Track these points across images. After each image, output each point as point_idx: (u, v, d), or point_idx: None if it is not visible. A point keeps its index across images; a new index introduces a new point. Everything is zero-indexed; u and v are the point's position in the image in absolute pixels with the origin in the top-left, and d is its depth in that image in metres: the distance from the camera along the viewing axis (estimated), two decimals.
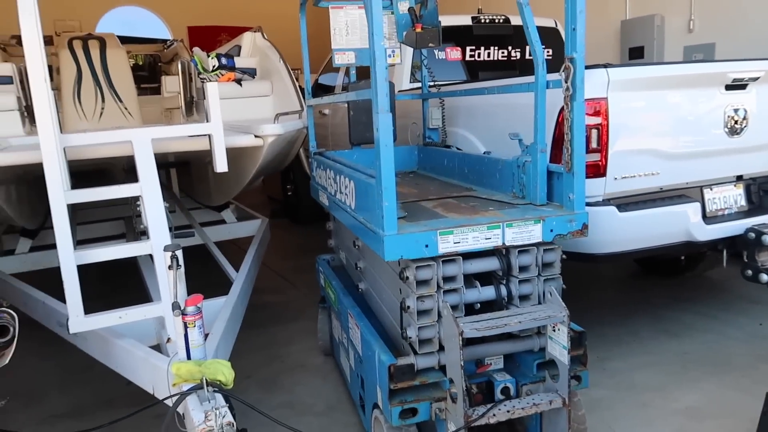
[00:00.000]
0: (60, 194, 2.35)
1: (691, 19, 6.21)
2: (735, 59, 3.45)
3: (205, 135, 2.91)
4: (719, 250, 3.36)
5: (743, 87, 3.23)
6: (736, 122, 3.24)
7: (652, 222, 3.06)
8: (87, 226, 4.74)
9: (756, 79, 3.23)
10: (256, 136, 3.34)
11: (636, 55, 6.70)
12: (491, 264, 2.20)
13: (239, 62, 4.84)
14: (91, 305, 2.49)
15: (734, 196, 3.35)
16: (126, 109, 5.50)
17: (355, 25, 3.69)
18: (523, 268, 2.21)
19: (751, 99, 3.27)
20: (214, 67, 4.51)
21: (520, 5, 2.58)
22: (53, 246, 4.08)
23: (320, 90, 6.40)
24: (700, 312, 3.95)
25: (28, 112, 4.17)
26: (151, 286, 3.06)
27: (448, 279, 2.11)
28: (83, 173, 3.82)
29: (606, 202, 3.01)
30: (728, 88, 3.20)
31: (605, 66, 2.98)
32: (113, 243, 3.85)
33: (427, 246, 2.03)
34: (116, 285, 4.51)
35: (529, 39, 2.54)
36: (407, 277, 2.07)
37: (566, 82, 2.27)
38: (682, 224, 3.12)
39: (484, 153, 3.31)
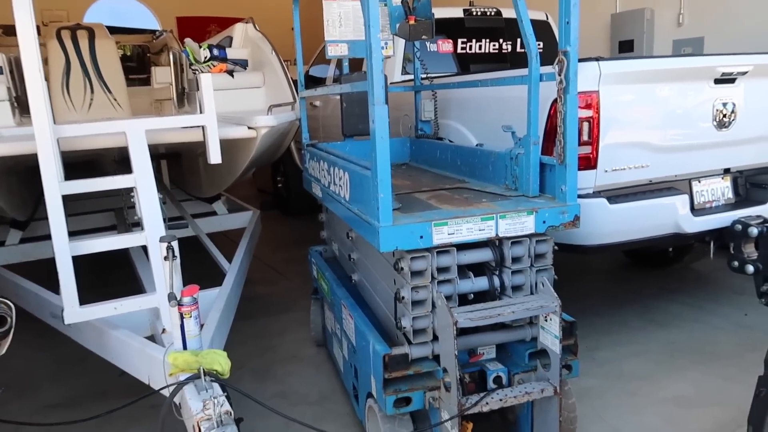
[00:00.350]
0: (55, 185, 2.35)
1: (681, 13, 6.26)
2: (724, 53, 3.49)
3: (199, 126, 2.90)
4: (706, 242, 3.42)
5: (732, 81, 3.28)
6: (724, 116, 3.29)
7: (641, 214, 3.10)
8: (76, 217, 4.71)
9: (744, 73, 3.27)
10: (249, 128, 3.34)
11: (626, 48, 6.74)
12: (484, 255, 2.23)
13: (231, 53, 4.81)
14: (83, 296, 2.49)
15: (722, 189, 3.40)
16: (115, 100, 5.45)
17: (348, 16, 3.69)
18: (515, 259, 2.24)
19: (739, 93, 3.31)
20: (205, 58, 4.48)
21: None
22: (44, 237, 4.07)
23: (310, 82, 6.39)
24: (687, 302, 4.02)
25: (18, 103, 4.13)
26: (145, 278, 3.06)
27: (442, 270, 2.14)
28: (73, 164, 3.80)
29: (597, 194, 3.04)
30: (717, 82, 3.24)
31: (597, 59, 3.00)
32: (106, 234, 3.84)
33: (421, 237, 2.06)
34: (106, 276, 4.51)
35: (523, 32, 2.56)
36: (402, 268, 2.10)
37: (560, 75, 2.30)
38: (670, 216, 3.17)
39: (477, 145, 3.33)
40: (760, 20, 5.43)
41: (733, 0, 5.74)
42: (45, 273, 2.91)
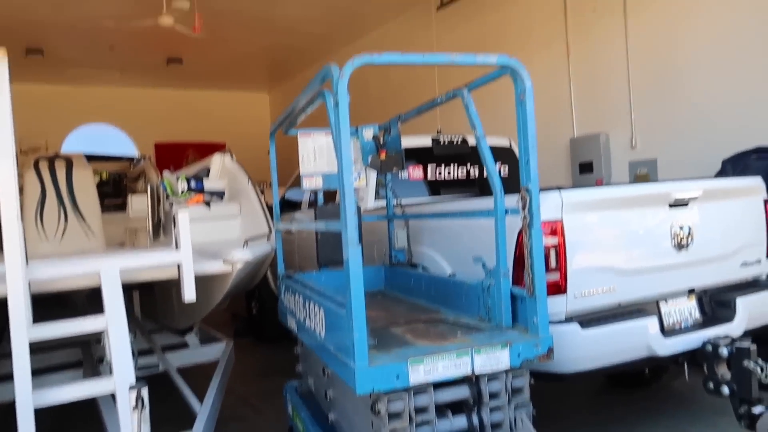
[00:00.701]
0: (23, 331, 2.30)
1: (633, 137, 6.72)
2: (675, 179, 3.72)
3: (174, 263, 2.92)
4: (680, 364, 3.44)
5: (685, 205, 3.47)
6: (682, 238, 3.44)
7: (614, 338, 3.13)
8: (40, 355, 4.53)
9: (695, 198, 3.48)
10: (225, 262, 3.37)
11: (586, 169, 7.13)
12: (462, 392, 2.21)
13: (208, 184, 4.96)
14: None
15: (689, 309, 3.48)
16: (89, 228, 5.47)
17: (322, 150, 3.86)
18: (493, 395, 2.22)
19: (693, 216, 3.49)
20: (183, 190, 4.60)
21: (478, 139, 2.80)
22: (2, 378, 3.87)
23: (287, 206, 6.54)
24: (670, 426, 3.94)
25: None
26: (110, 425, 2.91)
27: (419, 410, 2.11)
28: (42, 297, 3.73)
29: (569, 320, 3.08)
30: (672, 206, 3.42)
31: (558, 189, 3.17)
32: (71, 375, 3.69)
33: (398, 377, 2.05)
34: (65, 416, 4.25)
35: (488, 169, 2.73)
36: (379, 411, 2.05)
37: (523, 210, 2.42)
38: (642, 339, 3.20)
39: (450, 275, 3.40)
40: (706, 143, 5.85)
41: (679, 125, 6.20)
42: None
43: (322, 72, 2.35)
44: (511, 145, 5.79)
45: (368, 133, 3.84)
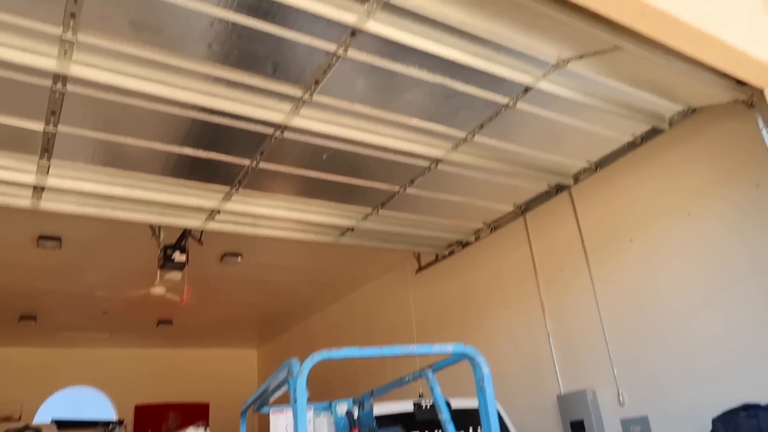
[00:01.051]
0: None
1: (620, 393, 6.60)
2: None
3: None
4: None
5: None
6: None
7: None
8: None
9: None
10: None
11: (577, 428, 6.84)
12: None
13: None
14: None
15: None
16: None
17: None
18: None
19: None
20: None
21: (444, 423, 2.78)
22: None
23: None
24: None
25: None
26: None
27: None
28: None
29: None
30: None
31: None
32: None
33: None
34: None
35: None
36: None
37: None
38: None
39: None
40: (694, 395, 5.74)
41: (664, 380, 6.13)
42: None
43: (286, 364, 2.44)
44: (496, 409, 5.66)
45: (342, 408, 3.83)
